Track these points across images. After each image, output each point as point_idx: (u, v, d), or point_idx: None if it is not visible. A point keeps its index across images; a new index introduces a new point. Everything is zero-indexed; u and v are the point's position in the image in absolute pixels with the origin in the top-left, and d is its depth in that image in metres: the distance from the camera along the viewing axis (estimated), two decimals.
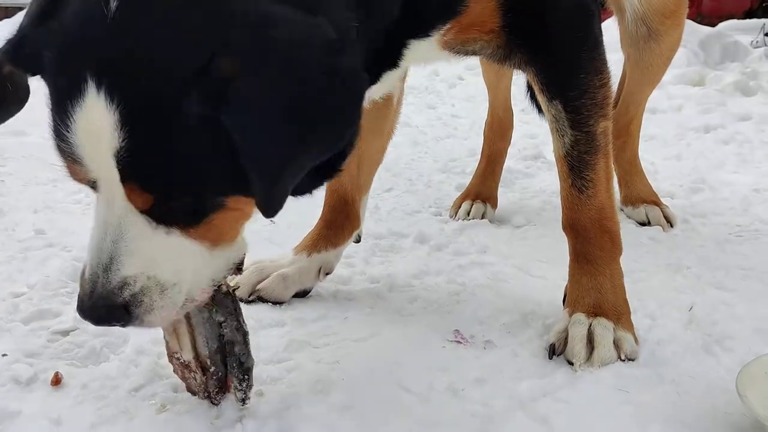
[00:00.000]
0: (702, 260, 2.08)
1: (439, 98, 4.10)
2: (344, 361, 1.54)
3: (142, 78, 1.05)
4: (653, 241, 2.25)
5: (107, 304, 1.14)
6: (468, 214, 2.45)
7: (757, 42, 5.16)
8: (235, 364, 1.33)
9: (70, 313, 1.69)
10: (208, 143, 1.07)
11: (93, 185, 1.14)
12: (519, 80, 1.65)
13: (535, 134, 3.33)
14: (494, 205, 2.52)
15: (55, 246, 2.06)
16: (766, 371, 1.36)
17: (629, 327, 1.58)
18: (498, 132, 2.59)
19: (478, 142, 2.65)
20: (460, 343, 1.61)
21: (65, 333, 1.61)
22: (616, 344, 1.53)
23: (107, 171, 1.08)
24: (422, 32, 1.45)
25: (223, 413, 1.32)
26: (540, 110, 2.01)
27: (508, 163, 2.75)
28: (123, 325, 1.18)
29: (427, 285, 1.92)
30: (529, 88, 2.06)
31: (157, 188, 1.11)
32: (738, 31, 5.47)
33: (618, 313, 1.58)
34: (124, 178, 1.08)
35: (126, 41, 1.05)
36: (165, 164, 1.08)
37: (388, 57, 1.43)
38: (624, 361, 1.52)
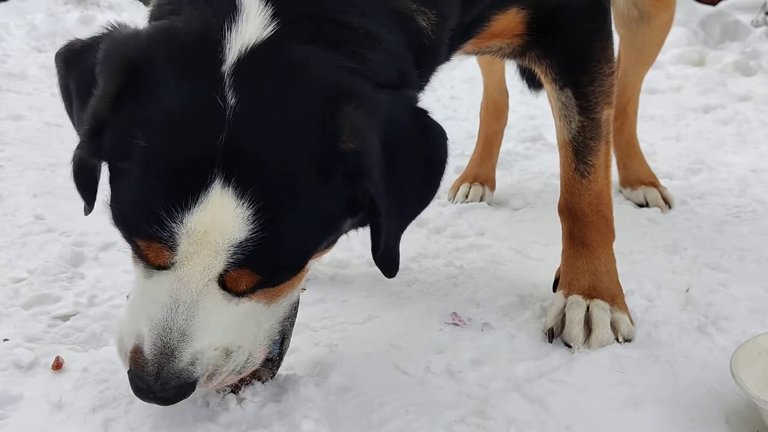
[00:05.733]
0: (699, 241, 2.09)
1: (438, 79, 4.08)
2: (342, 343, 1.55)
3: (273, 171, 1.04)
4: (651, 223, 2.25)
5: (180, 383, 1.11)
6: (466, 197, 2.45)
7: (757, 21, 5.12)
8: (277, 357, 1.33)
9: (70, 298, 1.71)
10: (330, 223, 1.12)
11: (161, 266, 1.09)
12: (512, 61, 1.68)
13: (534, 116, 3.32)
14: (492, 188, 2.52)
15: (55, 231, 2.07)
16: (761, 352, 1.37)
17: (624, 308, 1.59)
18: (493, 113, 2.59)
19: (476, 124, 2.64)
20: (458, 325, 1.62)
21: (65, 318, 1.63)
22: (613, 326, 1.54)
23: (211, 258, 1.05)
24: (446, 59, 1.53)
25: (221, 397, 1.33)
26: (530, 86, 2.03)
27: (507, 145, 2.74)
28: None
29: (425, 268, 1.93)
30: (523, 70, 2.07)
31: (270, 272, 1.10)
32: (739, 10, 5.42)
33: (613, 295, 1.60)
34: (237, 266, 1.06)
35: (253, 135, 1.03)
36: (287, 251, 1.09)
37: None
38: (621, 342, 1.53)
